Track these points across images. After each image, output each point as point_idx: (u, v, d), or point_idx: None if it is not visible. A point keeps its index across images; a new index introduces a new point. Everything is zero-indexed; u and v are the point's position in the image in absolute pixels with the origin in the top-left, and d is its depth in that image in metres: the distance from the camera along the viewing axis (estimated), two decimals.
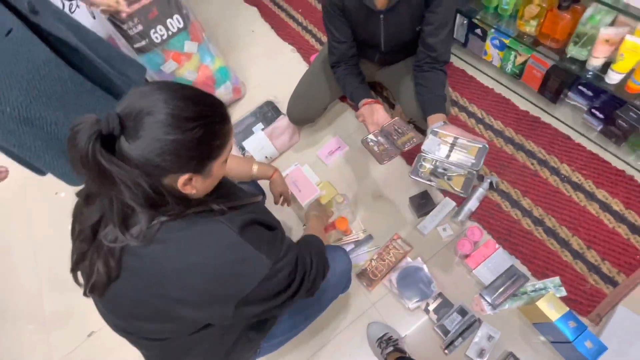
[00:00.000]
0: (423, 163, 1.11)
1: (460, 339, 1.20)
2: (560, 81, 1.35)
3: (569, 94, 1.38)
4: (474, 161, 1.08)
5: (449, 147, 1.11)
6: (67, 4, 1.52)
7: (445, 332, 1.22)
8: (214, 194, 0.70)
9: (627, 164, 1.33)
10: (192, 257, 0.63)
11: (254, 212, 0.76)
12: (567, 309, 1.01)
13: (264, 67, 2.04)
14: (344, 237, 1.46)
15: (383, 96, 1.75)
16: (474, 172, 1.06)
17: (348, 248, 1.43)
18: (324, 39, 2.03)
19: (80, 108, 1.03)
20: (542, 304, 1.03)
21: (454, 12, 1.40)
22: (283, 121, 1.68)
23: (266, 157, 1.68)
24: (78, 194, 0.69)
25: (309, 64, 1.97)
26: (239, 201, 0.75)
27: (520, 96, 1.55)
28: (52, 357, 1.50)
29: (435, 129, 1.14)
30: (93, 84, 1.05)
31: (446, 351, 1.20)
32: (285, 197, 1.31)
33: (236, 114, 1.85)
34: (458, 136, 1.11)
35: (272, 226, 0.76)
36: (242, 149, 1.66)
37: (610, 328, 1.11)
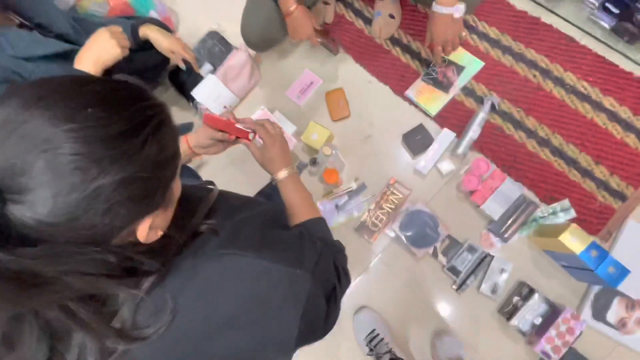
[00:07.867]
0: None
1: (472, 277, 1.16)
2: None
3: None
4: None
5: None
6: None
7: (456, 272, 1.17)
8: (178, 214, 0.48)
9: (637, 63, 1.19)
10: (221, 311, 0.48)
11: (239, 210, 0.57)
12: (591, 239, 0.95)
13: None
14: (335, 189, 1.29)
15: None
16: None
17: (341, 201, 1.27)
18: None
19: None
20: (565, 238, 0.96)
21: None
22: (237, 57, 1.33)
23: (225, 106, 1.37)
24: None
25: None
26: (205, 204, 0.55)
27: None
28: None
29: None
30: None
31: (459, 291, 1.16)
32: None
33: None
34: None
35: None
36: (192, 99, 1.34)
37: (620, 243, 1.09)
